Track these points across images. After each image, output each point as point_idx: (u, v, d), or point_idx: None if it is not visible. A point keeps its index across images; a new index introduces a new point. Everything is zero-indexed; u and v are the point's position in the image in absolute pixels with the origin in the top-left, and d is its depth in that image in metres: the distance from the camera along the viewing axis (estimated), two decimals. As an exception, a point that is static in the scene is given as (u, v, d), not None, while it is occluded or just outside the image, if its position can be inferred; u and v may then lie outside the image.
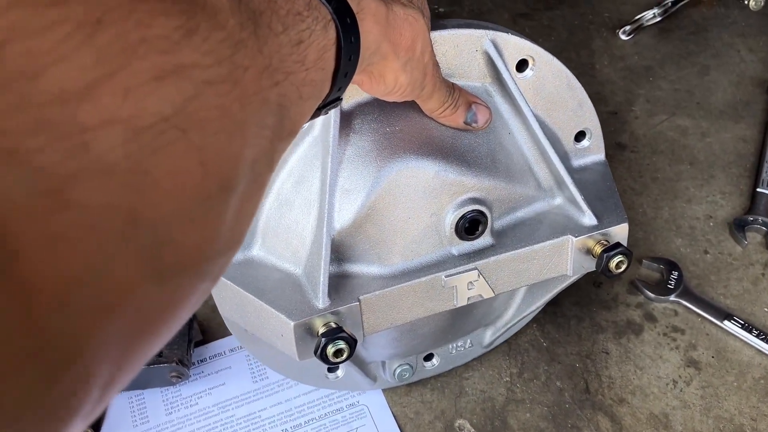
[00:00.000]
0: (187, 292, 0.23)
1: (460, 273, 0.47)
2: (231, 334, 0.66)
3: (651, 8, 0.92)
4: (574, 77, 0.52)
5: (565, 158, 0.54)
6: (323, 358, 0.44)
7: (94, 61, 0.19)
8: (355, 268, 0.48)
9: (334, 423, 0.59)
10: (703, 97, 0.84)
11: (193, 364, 0.63)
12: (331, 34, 0.33)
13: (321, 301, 0.45)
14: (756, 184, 0.74)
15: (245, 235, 0.27)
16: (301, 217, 0.47)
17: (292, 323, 0.44)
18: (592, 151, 0.56)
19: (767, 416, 0.58)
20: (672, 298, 0.65)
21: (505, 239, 0.50)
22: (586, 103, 0.53)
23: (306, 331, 0.45)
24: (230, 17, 0.24)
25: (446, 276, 0.47)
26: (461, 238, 0.48)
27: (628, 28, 0.92)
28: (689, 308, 0.65)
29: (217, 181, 0.23)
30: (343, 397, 0.61)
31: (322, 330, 0.44)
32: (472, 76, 0.49)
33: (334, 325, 0.44)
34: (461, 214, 0.47)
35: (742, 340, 0.63)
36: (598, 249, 0.49)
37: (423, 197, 0.47)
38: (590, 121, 0.54)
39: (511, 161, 0.50)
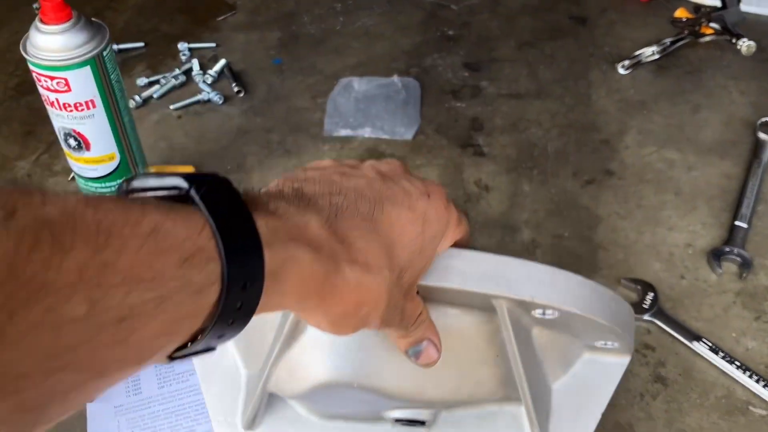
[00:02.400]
0: None
1: None
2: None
3: (650, 46, 0.97)
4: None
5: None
6: None
7: None
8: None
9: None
10: (693, 133, 0.88)
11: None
12: (210, 299, 0.24)
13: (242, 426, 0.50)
14: (735, 218, 0.77)
15: None
16: (265, 333, 0.47)
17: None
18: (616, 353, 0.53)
19: (725, 431, 0.61)
20: (646, 317, 0.69)
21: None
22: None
23: None
24: None
25: None
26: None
27: (627, 62, 0.96)
28: (662, 328, 0.68)
29: None
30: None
31: None
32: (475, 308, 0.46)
33: None
34: (401, 419, 0.48)
35: (708, 361, 0.66)
36: None
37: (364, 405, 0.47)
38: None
39: (480, 388, 0.48)
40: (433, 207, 0.36)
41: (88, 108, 0.64)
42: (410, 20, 1.06)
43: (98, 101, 0.64)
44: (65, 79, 0.62)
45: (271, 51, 1.01)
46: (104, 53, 0.63)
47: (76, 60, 0.61)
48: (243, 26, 1.05)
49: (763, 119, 0.87)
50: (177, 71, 0.94)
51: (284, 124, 0.90)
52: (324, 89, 0.94)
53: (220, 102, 0.91)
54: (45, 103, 0.66)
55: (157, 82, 0.93)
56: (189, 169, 0.82)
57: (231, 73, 0.95)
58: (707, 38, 0.98)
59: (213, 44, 1.00)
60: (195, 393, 0.63)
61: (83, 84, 0.63)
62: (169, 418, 0.62)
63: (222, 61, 0.96)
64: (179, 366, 0.65)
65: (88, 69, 0.62)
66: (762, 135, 0.86)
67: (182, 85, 0.94)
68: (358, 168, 0.37)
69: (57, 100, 0.64)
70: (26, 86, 0.95)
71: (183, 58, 0.98)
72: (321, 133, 0.88)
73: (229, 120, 0.90)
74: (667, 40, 0.97)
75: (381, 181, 0.35)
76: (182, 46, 0.99)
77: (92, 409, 0.62)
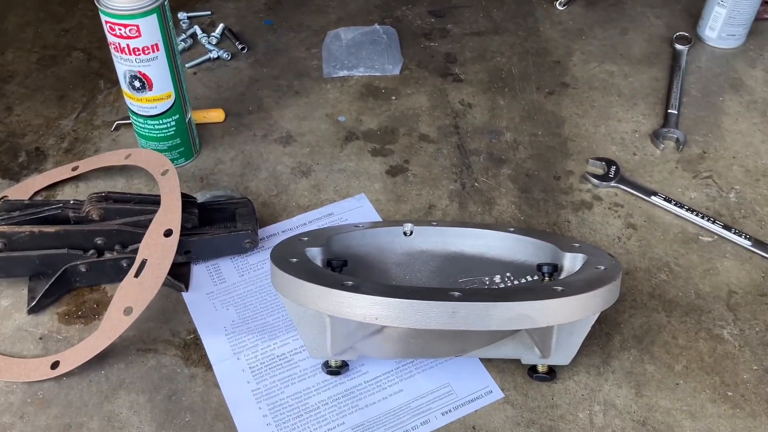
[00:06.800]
0: None
1: None
2: (282, 220, 0.83)
3: (580, -15, 1.16)
4: None
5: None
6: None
7: None
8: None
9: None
10: (624, 50, 1.08)
11: (254, 241, 0.80)
12: None
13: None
14: (667, 108, 0.97)
15: None
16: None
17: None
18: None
19: (684, 255, 0.80)
20: (612, 184, 0.87)
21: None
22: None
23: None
24: None
25: None
26: None
27: (563, 0, 1.15)
28: (626, 190, 0.87)
29: None
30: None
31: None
32: None
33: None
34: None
35: (664, 209, 0.85)
36: None
37: None
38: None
39: None
40: None
41: (154, 51, 0.77)
42: (375, -19, 1.22)
43: (161, 45, 0.77)
44: (137, 26, 0.74)
45: (260, 14, 1.14)
46: (165, 3, 0.75)
47: (146, 8, 0.74)
48: (230, -4, 1.18)
49: (678, 33, 1.08)
50: (183, 36, 1.07)
51: (288, 71, 1.04)
52: (315, 41, 1.09)
53: (228, 58, 1.04)
54: (114, 51, 0.77)
55: (168, 46, 1.05)
56: (219, 112, 0.95)
57: (231, 34, 1.08)
58: (624, -24, 1.18)
59: (208, 12, 1.13)
60: (269, 277, 0.76)
61: (151, 29, 0.75)
62: (255, 295, 0.75)
63: (221, 25, 1.08)
64: (251, 258, 0.79)
65: (154, 16, 0.75)
66: (678, 46, 1.07)
67: (190, 47, 1.06)
68: None
69: (128, 45, 0.75)
70: (47, 60, 1.05)
71: (184, 25, 1.10)
72: (321, 75, 1.03)
73: (239, 72, 1.03)
74: (593, -20, 1.17)
75: None
76: (182, 15, 1.11)
77: (188, 297, 0.75)
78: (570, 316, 0.56)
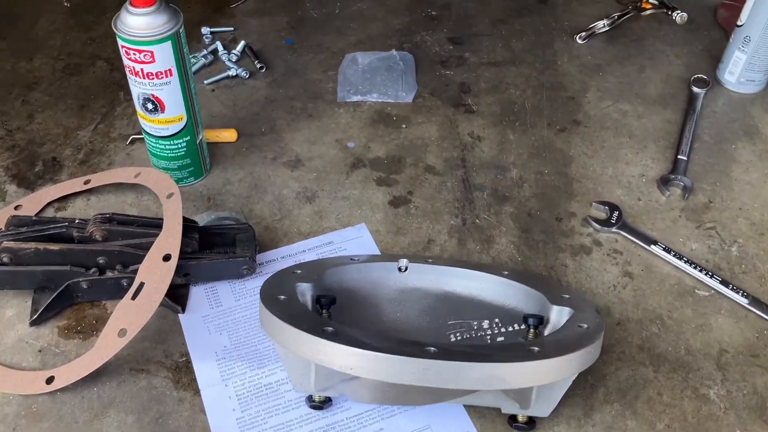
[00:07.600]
0: None
1: None
2: (282, 246, 0.85)
3: (601, 19, 1.16)
4: None
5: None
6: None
7: None
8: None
9: (365, 307, 0.78)
10: (640, 88, 1.07)
11: (254, 266, 0.82)
12: None
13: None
14: (677, 153, 0.97)
15: None
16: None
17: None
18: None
19: (678, 309, 0.80)
20: (614, 229, 0.87)
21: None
22: None
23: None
24: None
25: None
26: None
27: (583, 34, 1.15)
28: (626, 237, 0.87)
29: None
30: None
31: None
32: None
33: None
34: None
35: (663, 259, 0.85)
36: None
37: None
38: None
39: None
40: None
41: (167, 76, 0.79)
42: (398, 3, 1.23)
43: (175, 70, 0.79)
44: (151, 52, 0.76)
45: (281, 33, 1.16)
46: (180, 31, 0.77)
47: (161, 36, 0.76)
48: (254, 12, 1.20)
49: (695, 76, 1.07)
50: (204, 51, 1.09)
51: (303, 93, 1.05)
52: (333, 63, 1.10)
53: (246, 76, 1.06)
54: (129, 73, 0.80)
55: (188, 61, 1.07)
56: (232, 132, 0.97)
57: (252, 51, 1.10)
58: (647, 12, 1.18)
59: (231, 28, 1.15)
60: (267, 301, 0.78)
61: (165, 56, 0.77)
62: (248, 321, 0.77)
63: (242, 42, 1.10)
64: (249, 283, 0.80)
65: (169, 44, 0.77)
66: (695, 88, 1.06)
67: (210, 63, 1.09)
68: None
69: (142, 69, 0.78)
70: (71, 68, 1.08)
71: (206, 40, 1.12)
72: (335, 99, 1.04)
73: (256, 91, 1.05)
74: (615, 15, 1.17)
75: None
76: (205, 30, 1.13)
77: (184, 319, 0.77)
78: (543, 378, 0.57)
